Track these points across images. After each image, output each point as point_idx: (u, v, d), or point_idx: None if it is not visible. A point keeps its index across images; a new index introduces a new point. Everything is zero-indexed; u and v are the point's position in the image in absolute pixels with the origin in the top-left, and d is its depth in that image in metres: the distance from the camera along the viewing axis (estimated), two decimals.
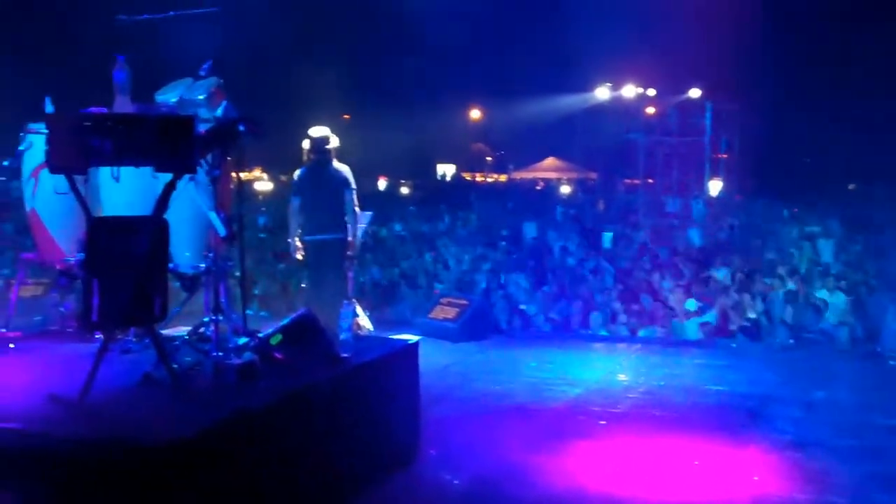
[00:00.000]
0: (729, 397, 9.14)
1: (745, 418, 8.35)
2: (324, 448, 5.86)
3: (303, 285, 10.69)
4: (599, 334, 13.03)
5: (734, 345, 12.20)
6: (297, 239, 9.56)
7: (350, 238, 9.46)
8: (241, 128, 5.72)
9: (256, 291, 14.28)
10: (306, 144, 9.58)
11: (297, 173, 9.71)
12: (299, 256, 9.61)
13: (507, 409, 8.54)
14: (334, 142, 9.50)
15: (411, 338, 7.52)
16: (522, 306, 13.62)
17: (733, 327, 12.80)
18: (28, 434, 4.75)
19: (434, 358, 9.23)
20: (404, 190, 39.13)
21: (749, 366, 10.69)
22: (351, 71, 34.44)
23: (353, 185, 9.45)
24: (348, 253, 9.48)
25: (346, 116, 34.94)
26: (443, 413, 8.01)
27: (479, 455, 7.10)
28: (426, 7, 29.23)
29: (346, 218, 9.42)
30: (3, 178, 12.26)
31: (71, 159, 4.97)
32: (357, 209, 9.48)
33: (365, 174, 20.03)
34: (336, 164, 9.49)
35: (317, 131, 9.51)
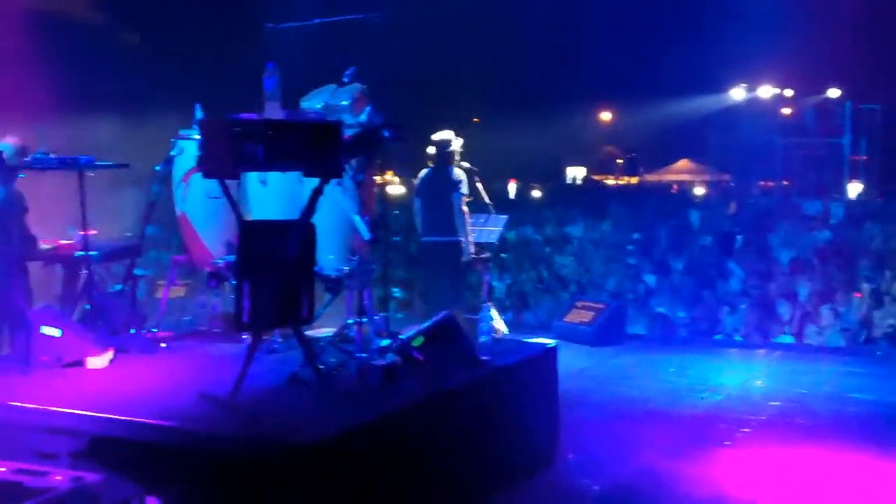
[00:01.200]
0: (874, 406, 8.85)
1: (894, 428, 8.09)
2: (464, 450, 5.89)
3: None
4: (736, 340, 12.77)
5: (879, 352, 11.82)
6: None
7: (463, 241, 9.46)
8: (386, 133, 5.81)
9: (396, 294, 14.43)
10: (430, 148, 9.71)
11: (420, 175, 9.86)
12: None
13: (645, 413, 8.45)
14: (455, 145, 9.54)
15: (548, 342, 7.52)
16: (659, 310, 13.45)
17: (877, 333, 12.40)
18: (183, 431, 4.92)
19: (570, 361, 9.18)
20: (535, 193, 38.97)
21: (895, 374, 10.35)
22: (482, 74, 34.53)
23: (464, 189, 9.42)
24: (462, 258, 9.49)
25: (475, 120, 35.07)
26: (580, 417, 7.97)
27: (618, 460, 7.05)
28: (557, 9, 29.15)
29: (455, 221, 9.45)
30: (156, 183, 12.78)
31: (224, 164, 5.11)
32: (465, 213, 9.44)
33: (496, 177, 20.03)
34: (455, 167, 9.53)
35: (439, 134, 9.60)
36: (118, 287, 7.30)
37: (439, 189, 9.47)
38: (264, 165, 5.20)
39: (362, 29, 6.77)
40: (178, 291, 7.85)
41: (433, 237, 9.53)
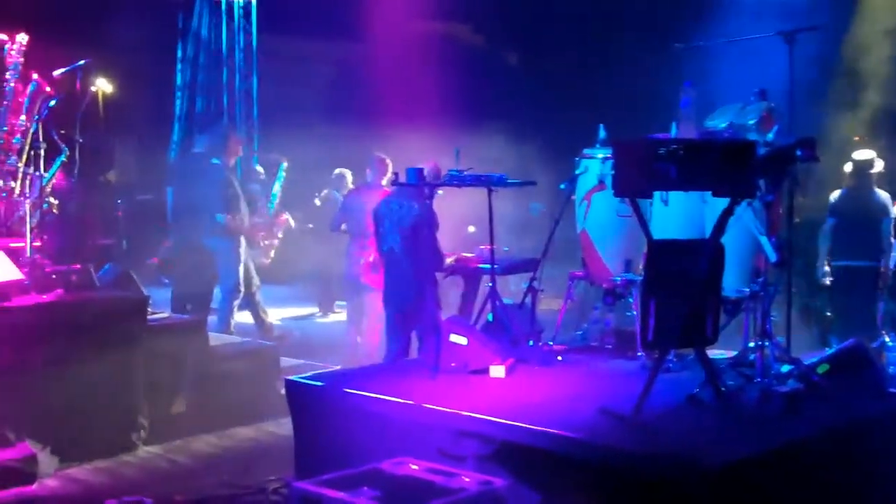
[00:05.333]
0: None
1: None
2: (871, 491, 5.59)
3: (827, 313, 10.37)
4: None
5: None
6: (826, 263, 9.40)
7: (883, 268, 9.10)
8: (799, 153, 5.64)
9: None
10: (848, 167, 9.37)
11: (834, 195, 9.50)
12: (827, 281, 9.45)
13: None
14: (878, 166, 9.17)
15: None
16: None
17: None
18: (587, 444, 4.99)
19: None
20: None
21: None
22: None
23: (894, 214, 9.07)
24: (879, 283, 9.13)
25: (856, 138, 33.07)
26: None
27: None
28: None
29: (882, 246, 9.08)
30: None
31: (636, 184, 5.16)
32: (893, 239, 9.10)
33: None
34: (877, 190, 9.16)
35: (861, 154, 9.27)
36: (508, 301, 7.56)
37: (862, 212, 9.17)
38: (677, 185, 5.20)
39: (768, 46, 6.63)
40: (574, 307, 7.99)
41: (849, 261, 9.21)
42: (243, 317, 11.34)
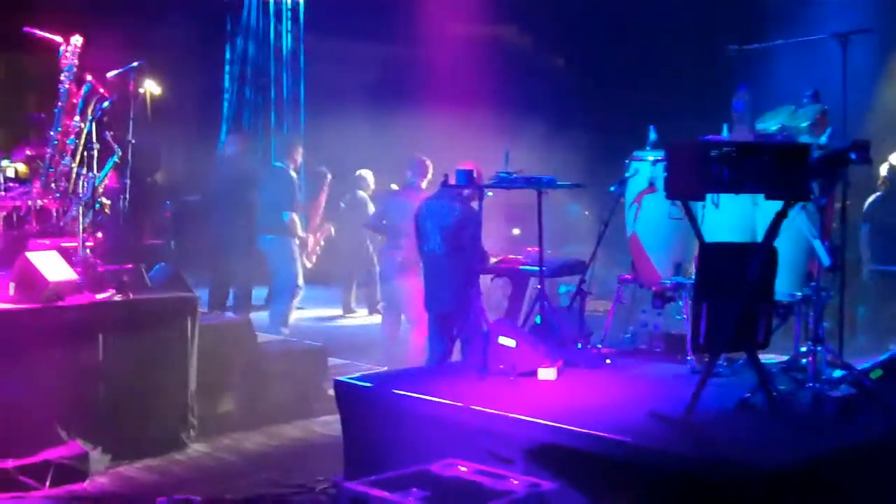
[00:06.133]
0: None
1: None
2: None
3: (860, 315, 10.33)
4: None
5: None
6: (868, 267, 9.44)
7: None
8: (853, 156, 5.58)
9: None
10: (883, 170, 9.29)
11: (870, 199, 9.43)
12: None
13: None
14: None
15: None
16: None
17: None
18: (638, 447, 4.96)
19: None
20: None
21: None
22: None
23: None
24: None
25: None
26: None
27: None
28: None
29: None
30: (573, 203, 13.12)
31: (690, 186, 5.14)
32: None
33: None
34: None
35: None
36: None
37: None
38: (730, 187, 5.16)
39: (823, 48, 6.58)
40: (622, 310, 7.96)
41: (885, 266, 9.12)
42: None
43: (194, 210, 14.26)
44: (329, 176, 12.26)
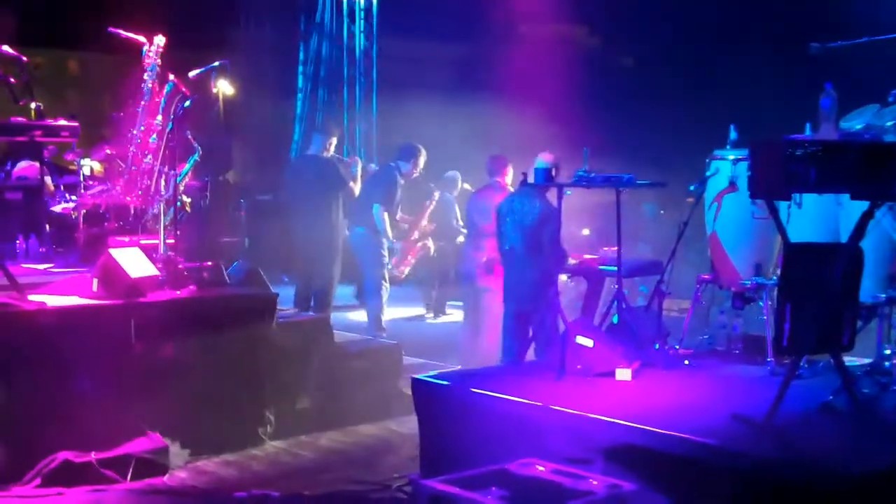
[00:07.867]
0: None
1: None
2: None
3: None
4: None
5: None
6: None
7: None
8: None
9: None
10: None
11: None
12: None
13: None
14: None
15: None
16: None
17: None
18: (720, 450, 4.91)
19: None
20: None
21: None
22: None
23: None
24: None
25: None
26: None
27: None
28: None
29: None
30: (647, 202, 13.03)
31: (774, 185, 5.06)
32: None
33: None
34: None
35: None
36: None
37: None
38: (815, 187, 5.08)
39: None
40: (700, 310, 7.87)
41: None
42: (361, 315, 11.55)
43: (267, 209, 14.43)
44: (437, 194, 12.16)
